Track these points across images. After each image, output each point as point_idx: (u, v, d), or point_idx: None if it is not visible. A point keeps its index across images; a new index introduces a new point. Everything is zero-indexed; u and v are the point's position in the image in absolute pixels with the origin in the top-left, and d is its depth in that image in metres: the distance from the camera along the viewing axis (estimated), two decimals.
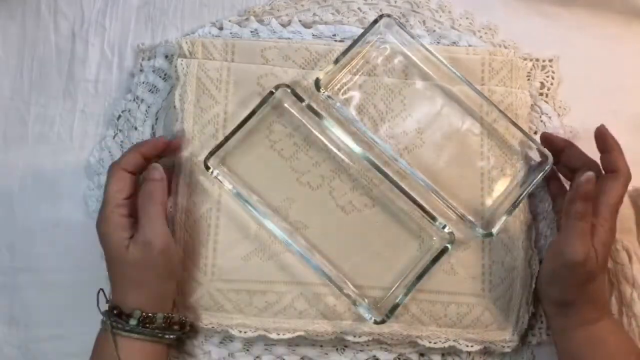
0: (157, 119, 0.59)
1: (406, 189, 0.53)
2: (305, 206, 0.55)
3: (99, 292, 0.52)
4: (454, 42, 0.59)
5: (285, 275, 0.54)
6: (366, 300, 0.53)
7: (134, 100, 0.59)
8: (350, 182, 0.55)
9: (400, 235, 0.55)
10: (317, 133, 0.56)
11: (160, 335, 0.50)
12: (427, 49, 0.55)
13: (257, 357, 0.55)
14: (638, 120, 0.60)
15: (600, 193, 0.50)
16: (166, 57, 0.59)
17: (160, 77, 0.59)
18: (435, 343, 0.54)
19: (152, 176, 0.51)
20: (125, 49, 0.61)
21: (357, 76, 0.57)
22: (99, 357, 0.49)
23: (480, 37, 0.60)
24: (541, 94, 0.60)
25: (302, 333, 0.53)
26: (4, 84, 0.60)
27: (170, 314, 0.51)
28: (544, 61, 0.60)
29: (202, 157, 0.53)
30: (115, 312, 0.49)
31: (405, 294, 0.51)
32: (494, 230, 0.52)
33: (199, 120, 0.55)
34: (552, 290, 0.51)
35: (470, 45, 0.59)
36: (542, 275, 0.53)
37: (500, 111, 0.54)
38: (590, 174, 0.48)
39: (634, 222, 0.57)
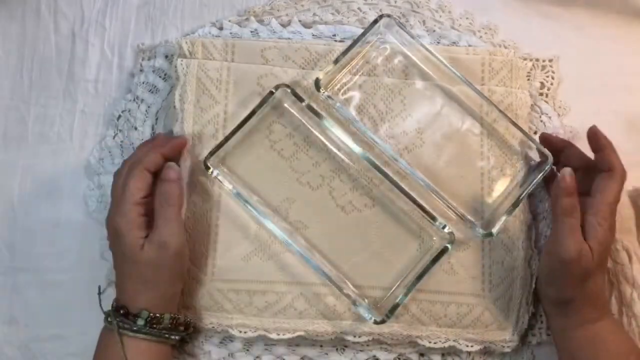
0: (157, 119, 0.59)
1: (406, 189, 0.53)
2: (305, 206, 0.55)
3: (100, 291, 0.52)
4: (454, 42, 0.59)
5: (285, 275, 0.54)
6: (366, 300, 0.53)
7: (134, 100, 0.59)
8: (350, 182, 0.55)
9: (400, 235, 0.55)
10: (317, 133, 0.56)
11: (167, 335, 0.50)
12: (427, 49, 0.55)
13: (257, 357, 0.55)
14: (638, 120, 0.60)
15: (597, 192, 0.50)
16: (166, 57, 0.59)
17: (160, 77, 0.59)
18: (435, 343, 0.54)
19: (168, 176, 0.50)
20: (125, 49, 0.61)
21: (357, 76, 0.57)
22: (104, 357, 0.49)
23: (480, 37, 0.60)
24: (541, 94, 0.60)
25: (302, 333, 0.53)
26: (4, 84, 0.60)
27: (176, 315, 0.51)
28: (544, 61, 0.60)
29: (202, 157, 0.53)
30: (122, 312, 0.49)
31: (405, 294, 0.51)
32: (494, 230, 0.52)
33: (199, 120, 0.55)
34: (551, 290, 0.51)
35: (470, 45, 0.59)
36: (540, 275, 0.53)
37: (500, 111, 0.54)
38: (568, 169, 0.50)
39: (634, 222, 0.57)
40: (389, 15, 0.55)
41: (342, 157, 0.55)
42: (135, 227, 0.48)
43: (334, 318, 0.53)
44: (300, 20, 0.60)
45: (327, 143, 0.56)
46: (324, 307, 0.53)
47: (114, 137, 0.59)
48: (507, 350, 0.54)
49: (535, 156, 0.55)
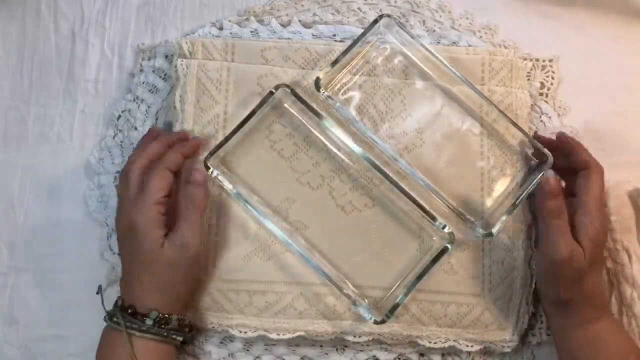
0: (157, 119, 0.59)
1: (406, 189, 0.52)
2: (305, 206, 0.55)
3: (100, 291, 0.52)
4: (454, 42, 0.59)
5: (285, 275, 0.54)
6: (366, 300, 0.53)
7: (134, 100, 0.59)
8: (350, 182, 0.55)
9: (400, 235, 0.55)
10: (317, 133, 0.56)
11: (173, 336, 0.50)
12: (427, 49, 0.55)
13: (257, 357, 0.55)
14: (638, 120, 0.60)
15: (580, 191, 0.51)
16: (166, 57, 0.59)
17: (160, 77, 0.59)
18: (435, 343, 0.54)
19: (196, 179, 0.50)
20: (125, 49, 0.61)
21: (357, 76, 0.57)
22: (109, 357, 0.49)
23: (480, 37, 0.60)
24: (541, 94, 0.60)
25: (302, 333, 0.53)
26: (4, 84, 0.60)
27: (183, 316, 0.51)
28: (544, 61, 0.60)
29: (202, 157, 0.53)
30: (129, 311, 0.48)
31: (405, 294, 0.51)
32: (494, 230, 0.52)
33: (199, 120, 0.55)
34: (549, 290, 0.52)
35: (470, 45, 0.59)
36: (538, 276, 0.53)
37: (500, 111, 0.54)
38: (550, 171, 0.51)
39: (634, 222, 0.57)
40: (389, 15, 0.55)
41: (342, 157, 0.55)
42: (156, 226, 0.48)
43: (334, 318, 0.53)
44: (300, 20, 0.60)
45: (327, 143, 0.56)
46: (324, 307, 0.53)
47: (114, 137, 0.59)
48: (507, 350, 0.54)
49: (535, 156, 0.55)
